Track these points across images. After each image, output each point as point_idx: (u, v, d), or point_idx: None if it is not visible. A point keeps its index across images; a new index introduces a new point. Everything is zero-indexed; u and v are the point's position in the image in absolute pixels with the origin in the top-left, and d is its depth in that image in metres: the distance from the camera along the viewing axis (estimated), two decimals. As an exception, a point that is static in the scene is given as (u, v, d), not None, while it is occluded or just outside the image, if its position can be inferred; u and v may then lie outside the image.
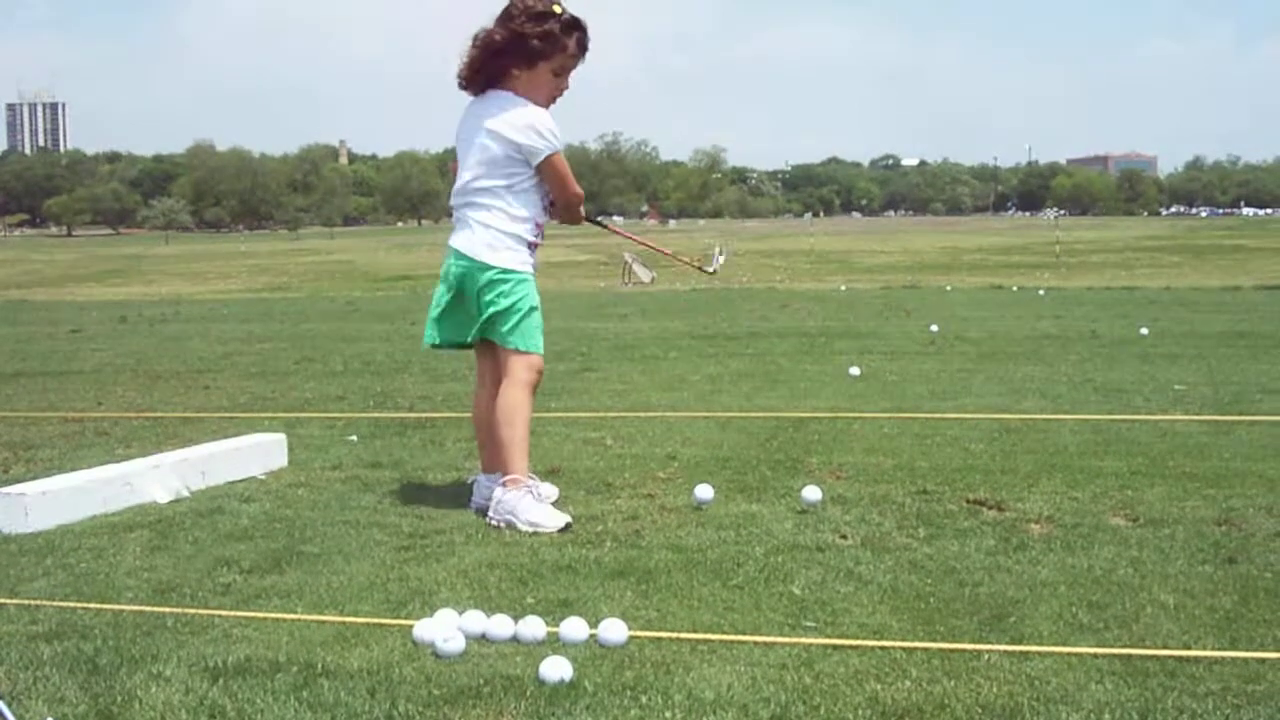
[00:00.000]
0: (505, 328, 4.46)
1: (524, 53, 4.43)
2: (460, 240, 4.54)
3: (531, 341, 4.49)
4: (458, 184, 4.58)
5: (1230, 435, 6.06)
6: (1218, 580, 3.56)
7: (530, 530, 4.21)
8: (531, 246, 4.55)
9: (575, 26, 4.48)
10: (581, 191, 4.67)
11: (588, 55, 4.58)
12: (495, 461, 4.66)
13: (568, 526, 4.24)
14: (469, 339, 4.59)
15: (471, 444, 5.82)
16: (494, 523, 4.30)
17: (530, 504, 4.29)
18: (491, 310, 4.45)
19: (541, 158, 4.45)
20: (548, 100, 4.54)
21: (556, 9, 4.46)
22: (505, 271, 4.46)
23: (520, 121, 4.43)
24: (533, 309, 4.50)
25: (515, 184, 4.48)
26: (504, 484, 4.35)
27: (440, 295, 4.61)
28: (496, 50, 4.44)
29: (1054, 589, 3.49)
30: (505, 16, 4.45)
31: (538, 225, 4.57)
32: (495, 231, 4.47)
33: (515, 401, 4.44)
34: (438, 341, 4.68)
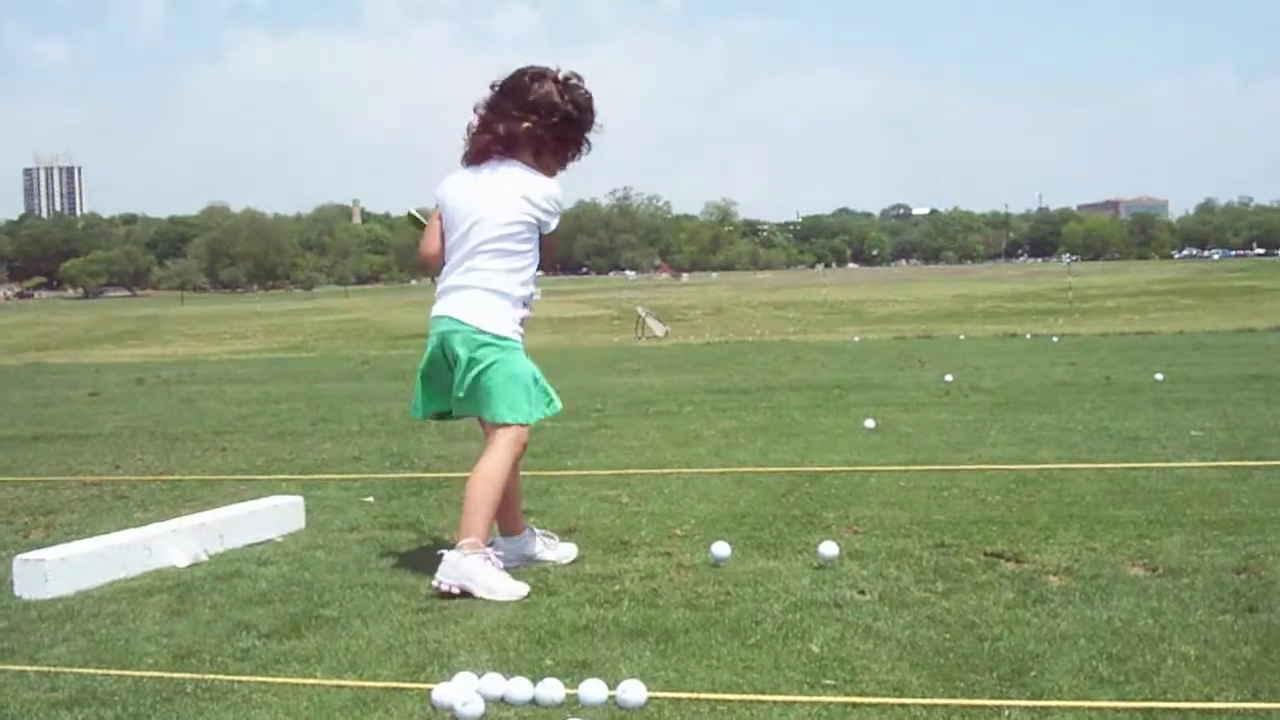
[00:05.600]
0: (494, 397, 4.35)
1: (544, 146, 4.44)
2: (455, 306, 4.43)
3: (520, 412, 4.38)
4: (458, 251, 4.46)
5: (1248, 480, 6.04)
6: (1239, 630, 3.54)
7: (488, 598, 4.11)
8: (523, 319, 4.50)
9: (590, 109, 4.49)
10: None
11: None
12: (513, 525, 4.66)
13: (527, 595, 4.17)
14: (451, 410, 4.52)
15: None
16: (445, 587, 4.17)
17: (489, 571, 4.19)
18: (482, 377, 4.34)
19: (552, 229, 4.48)
20: (553, 173, 4.55)
21: (577, 97, 4.45)
22: (500, 338, 4.37)
23: (541, 193, 4.41)
24: (523, 376, 4.40)
25: (525, 252, 4.44)
26: (461, 548, 4.23)
27: (425, 365, 4.53)
28: (514, 142, 4.41)
29: (1074, 642, 3.47)
30: (525, 104, 4.39)
31: (532, 296, 4.54)
32: (497, 297, 4.39)
33: (497, 472, 4.33)
34: (422, 414, 4.63)
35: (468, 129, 4.51)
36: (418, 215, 4.88)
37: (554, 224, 4.48)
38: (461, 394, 4.41)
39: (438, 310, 4.50)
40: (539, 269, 4.58)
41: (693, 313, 43.61)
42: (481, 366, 4.36)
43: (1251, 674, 3.16)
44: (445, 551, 4.30)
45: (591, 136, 4.56)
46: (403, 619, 3.95)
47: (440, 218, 4.56)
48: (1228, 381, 11.57)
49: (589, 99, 4.49)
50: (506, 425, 4.38)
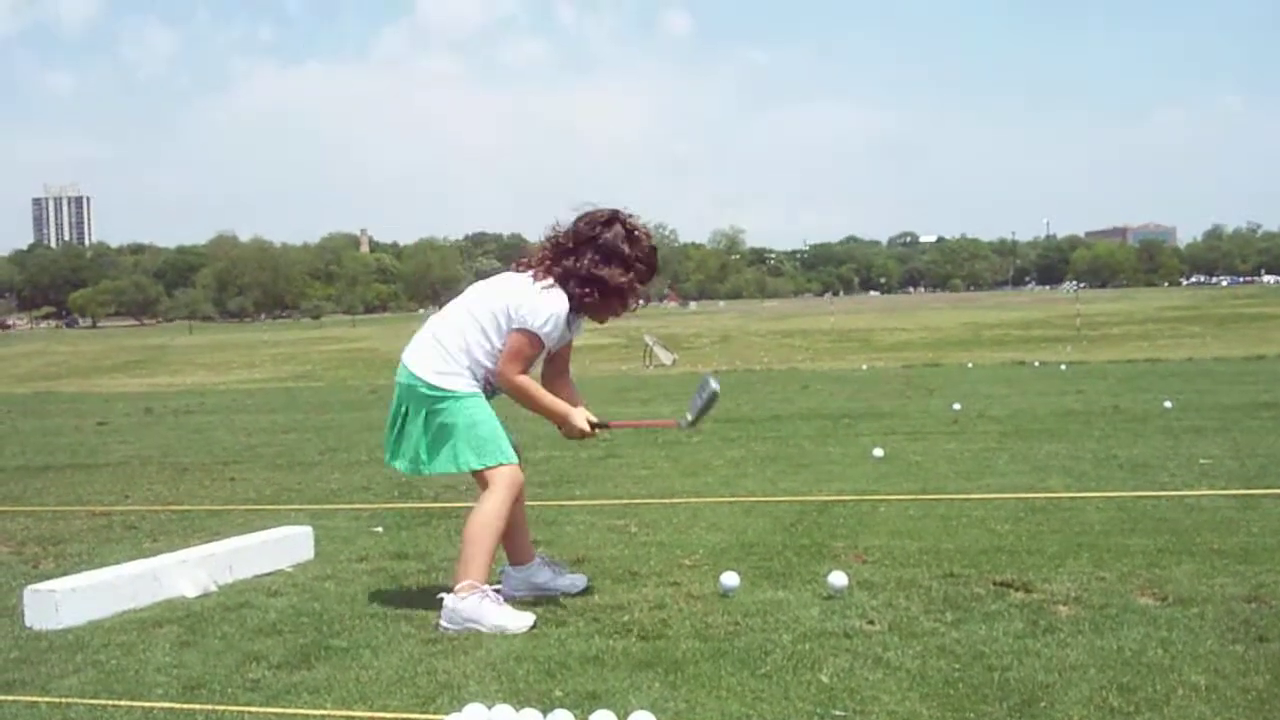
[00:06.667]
0: (459, 446, 4.35)
1: (611, 297, 4.48)
2: (412, 354, 4.47)
3: (493, 455, 4.35)
4: (445, 308, 4.55)
5: (1258, 509, 6.03)
6: (1249, 660, 3.54)
7: (498, 633, 4.11)
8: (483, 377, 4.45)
9: (651, 265, 4.56)
10: (521, 380, 4.40)
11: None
12: (521, 554, 4.66)
13: (534, 625, 4.17)
14: (417, 469, 4.47)
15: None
16: (448, 630, 4.16)
17: (491, 608, 4.18)
18: (441, 429, 4.36)
19: (519, 326, 4.35)
20: (603, 315, 4.60)
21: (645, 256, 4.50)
22: (448, 392, 4.36)
23: (528, 303, 4.37)
24: (483, 422, 4.36)
25: (490, 335, 4.40)
26: (458, 592, 4.21)
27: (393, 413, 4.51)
28: (603, 289, 4.43)
29: (1084, 672, 3.47)
30: (597, 249, 4.41)
31: (488, 384, 4.46)
32: (454, 362, 4.39)
33: (492, 514, 4.31)
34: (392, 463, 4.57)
35: (545, 249, 4.51)
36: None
37: (526, 327, 4.34)
38: (424, 453, 4.42)
39: (405, 354, 4.52)
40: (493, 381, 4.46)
41: (700, 341, 43.63)
42: (440, 419, 4.37)
43: (1263, 704, 3.16)
44: (444, 595, 4.29)
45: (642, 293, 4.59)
46: (413, 650, 3.95)
47: None
48: (1237, 409, 11.56)
49: (651, 256, 4.52)
50: (489, 469, 4.36)
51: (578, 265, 4.41)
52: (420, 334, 4.53)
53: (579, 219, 4.50)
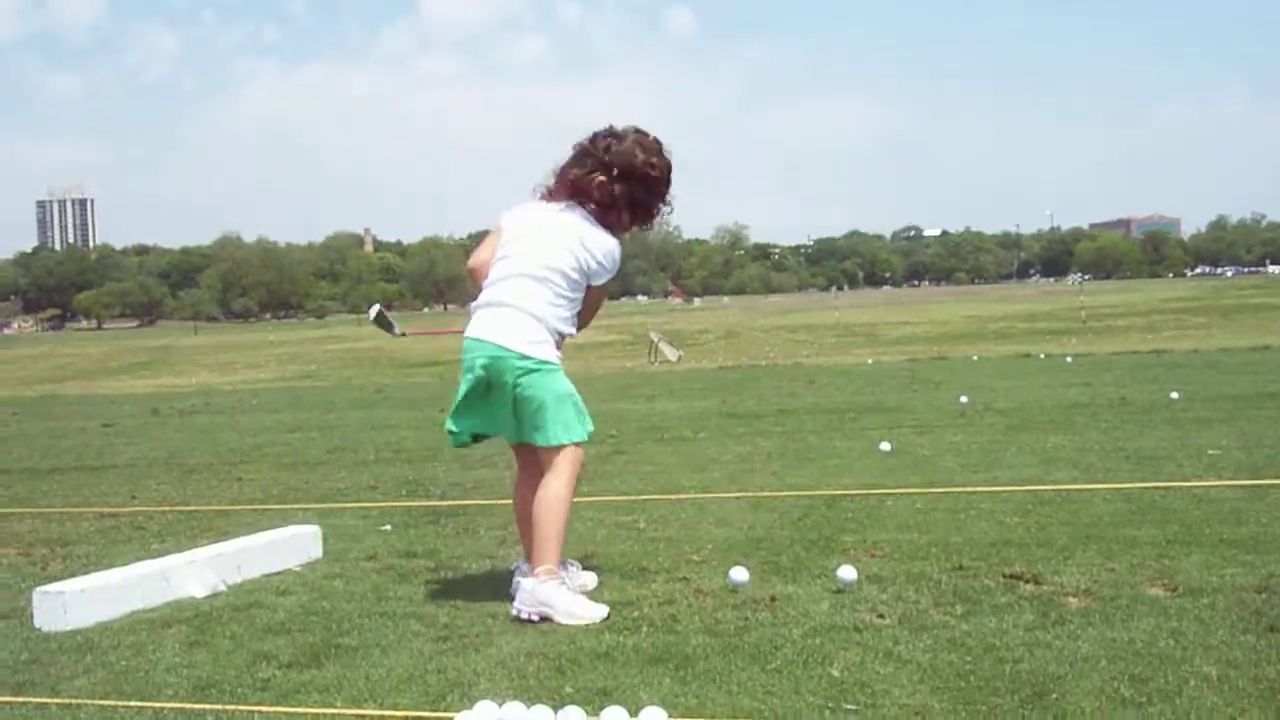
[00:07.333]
0: (548, 420, 4.39)
1: (615, 203, 4.56)
2: (497, 330, 4.46)
3: (576, 431, 4.43)
4: (504, 272, 4.55)
5: (1266, 499, 6.02)
6: (1261, 650, 3.52)
7: (570, 621, 4.16)
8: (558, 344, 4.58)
9: (666, 179, 4.67)
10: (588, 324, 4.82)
11: None
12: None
13: (607, 616, 4.21)
14: (502, 434, 4.58)
15: (504, 531, 5.85)
16: (525, 615, 4.21)
17: (566, 595, 4.24)
18: (532, 401, 4.39)
19: (601, 282, 4.59)
20: (618, 232, 4.67)
21: (655, 162, 4.60)
22: (541, 362, 4.42)
23: (597, 244, 4.51)
24: (571, 394, 4.47)
25: (567, 290, 4.50)
26: (537, 575, 4.28)
27: (467, 388, 4.52)
28: (585, 192, 4.54)
29: (1095, 663, 3.46)
30: (604, 160, 4.53)
31: (563, 337, 4.59)
32: (537, 322, 4.44)
33: (564, 493, 4.39)
34: (465, 439, 4.64)
35: (555, 172, 4.64)
36: (385, 315, 5.33)
37: (604, 279, 4.57)
38: (514, 420, 4.48)
39: (478, 333, 4.52)
40: (578, 325, 4.64)
41: (705, 336, 43.63)
42: (530, 391, 4.41)
43: (1275, 694, 3.14)
44: (520, 579, 4.34)
45: (663, 206, 4.74)
46: (422, 647, 3.95)
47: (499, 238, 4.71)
48: (1243, 399, 11.54)
49: (667, 167, 4.63)
50: (564, 446, 4.41)
51: (593, 179, 4.53)
52: (492, 310, 4.51)
53: (594, 137, 4.61)
